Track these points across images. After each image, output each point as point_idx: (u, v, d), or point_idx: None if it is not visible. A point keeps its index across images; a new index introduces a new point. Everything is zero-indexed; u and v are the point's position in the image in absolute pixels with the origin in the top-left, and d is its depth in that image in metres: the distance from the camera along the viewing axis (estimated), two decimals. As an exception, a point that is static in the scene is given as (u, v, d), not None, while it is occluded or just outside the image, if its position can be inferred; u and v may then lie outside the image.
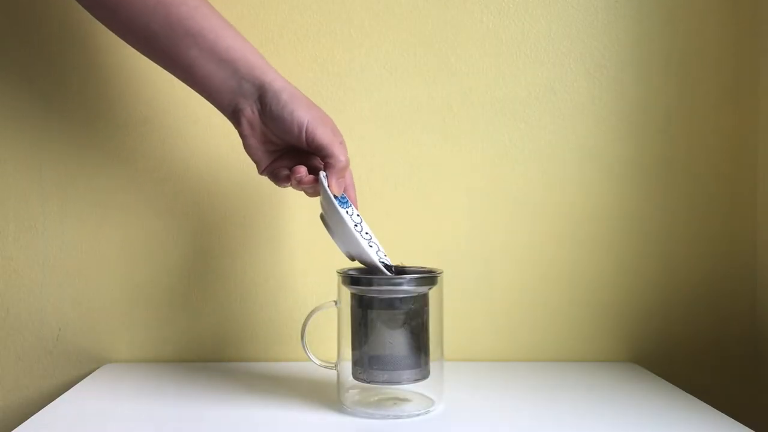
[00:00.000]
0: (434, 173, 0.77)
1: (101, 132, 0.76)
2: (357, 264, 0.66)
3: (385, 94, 0.77)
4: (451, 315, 0.73)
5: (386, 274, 0.61)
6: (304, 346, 0.64)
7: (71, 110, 0.76)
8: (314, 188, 0.62)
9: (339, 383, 0.63)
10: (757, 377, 0.78)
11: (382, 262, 0.61)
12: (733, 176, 0.78)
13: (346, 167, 0.62)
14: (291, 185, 0.63)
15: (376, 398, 0.63)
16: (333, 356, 0.64)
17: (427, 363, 0.60)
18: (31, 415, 0.60)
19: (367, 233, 0.63)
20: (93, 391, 0.68)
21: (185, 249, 0.77)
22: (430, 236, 0.77)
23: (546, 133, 0.77)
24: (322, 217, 0.64)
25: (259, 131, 0.61)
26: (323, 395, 0.65)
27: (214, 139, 0.76)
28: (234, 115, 0.61)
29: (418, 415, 0.60)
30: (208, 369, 0.75)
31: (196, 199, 0.77)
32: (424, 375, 0.60)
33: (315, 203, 0.77)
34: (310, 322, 0.64)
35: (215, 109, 0.62)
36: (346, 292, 0.61)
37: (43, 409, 0.62)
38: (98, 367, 0.76)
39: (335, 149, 0.60)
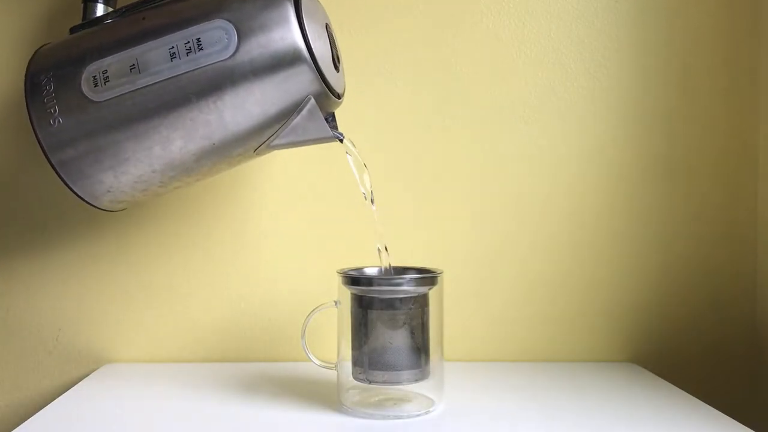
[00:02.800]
0: (434, 173, 0.77)
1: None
2: (357, 264, 0.66)
3: (385, 94, 0.77)
4: (451, 315, 0.73)
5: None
6: (304, 346, 0.64)
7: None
8: None
9: (339, 383, 0.63)
10: (758, 377, 0.78)
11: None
12: (733, 176, 0.78)
13: None
14: None
15: (376, 398, 0.63)
16: (333, 356, 0.64)
17: (427, 363, 0.60)
18: (31, 415, 0.60)
19: None
20: (93, 391, 0.68)
21: (185, 249, 0.77)
22: (430, 236, 0.77)
23: (546, 133, 0.77)
24: None
25: None
26: (323, 395, 0.65)
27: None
28: None
29: (418, 415, 0.60)
30: (208, 369, 0.75)
31: (196, 198, 0.77)
32: (424, 375, 0.60)
33: (315, 203, 0.77)
34: (310, 322, 0.64)
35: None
36: (346, 292, 0.61)
37: (43, 409, 0.62)
38: (98, 367, 0.76)
39: None
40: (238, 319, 0.78)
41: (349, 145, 0.63)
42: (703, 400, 0.64)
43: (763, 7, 0.77)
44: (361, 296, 0.60)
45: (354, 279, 0.61)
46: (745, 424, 0.57)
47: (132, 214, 0.77)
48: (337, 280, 0.62)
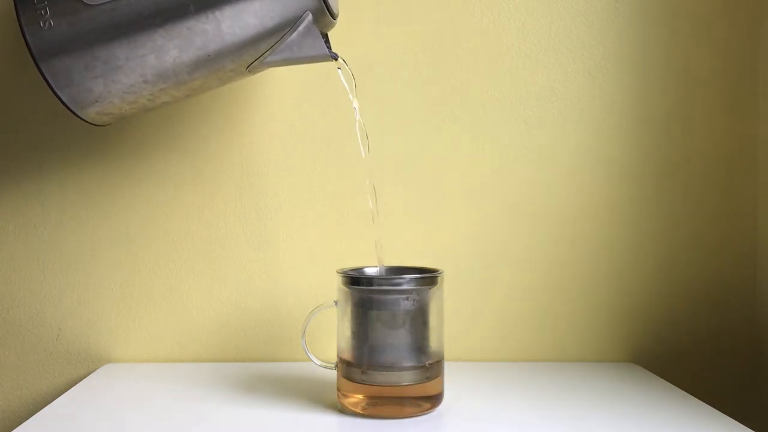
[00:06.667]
0: (434, 173, 0.77)
1: (102, 130, 0.76)
2: (357, 264, 0.66)
3: (385, 95, 0.77)
4: (451, 315, 0.73)
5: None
6: (304, 346, 0.64)
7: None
8: None
9: (339, 383, 0.62)
10: (758, 377, 0.78)
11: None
12: (733, 176, 0.78)
13: None
14: None
15: (375, 398, 0.63)
16: (333, 356, 0.64)
17: (427, 363, 0.60)
18: (31, 415, 0.60)
19: None
20: (93, 391, 0.68)
21: (185, 249, 0.77)
22: (430, 236, 0.77)
23: (546, 133, 0.77)
24: None
25: None
26: (323, 395, 0.65)
27: (214, 139, 0.76)
28: None
29: (418, 415, 0.60)
30: (208, 369, 0.75)
31: (195, 198, 0.77)
32: (424, 375, 0.60)
33: (315, 203, 0.77)
34: (310, 322, 0.64)
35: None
36: (346, 292, 0.61)
37: (43, 409, 0.62)
38: (98, 367, 0.76)
39: None
40: (238, 319, 0.78)
41: (341, 61, 0.63)
42: (703, 400, 0.64)
43: (763, 8, 0.77)
44: (361, 296, 0.60)
45: (354, 279, 0.61)
46: (745, 424, 0.57)
47: (131, 213, 0.77)
48: (337, 280, 0.62)
